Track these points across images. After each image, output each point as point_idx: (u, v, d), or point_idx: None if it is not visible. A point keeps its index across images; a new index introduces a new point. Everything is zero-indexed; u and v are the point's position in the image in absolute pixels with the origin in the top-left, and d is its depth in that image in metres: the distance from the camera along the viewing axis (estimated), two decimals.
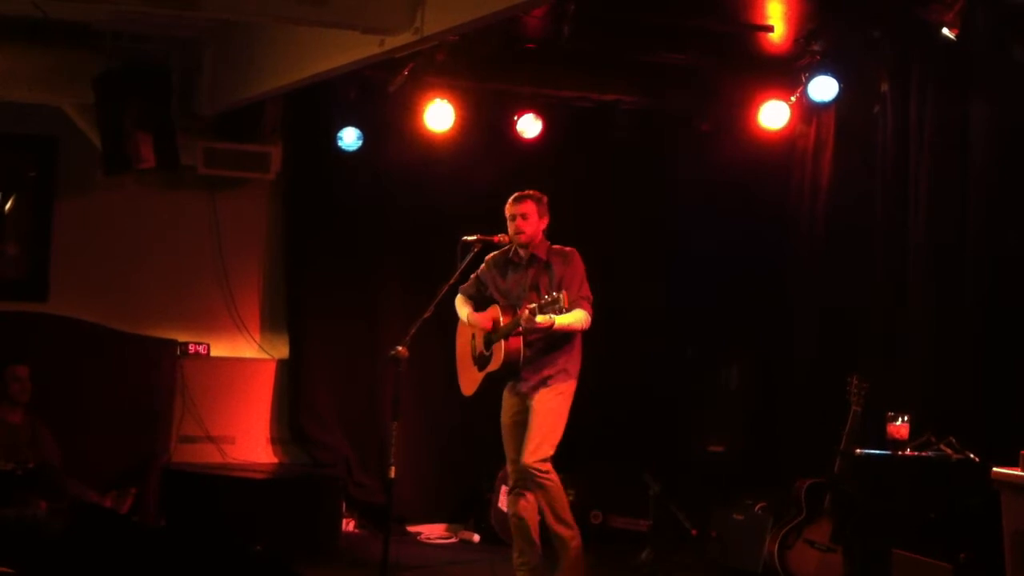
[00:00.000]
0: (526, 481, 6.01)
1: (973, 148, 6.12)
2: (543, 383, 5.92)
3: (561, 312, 5.61)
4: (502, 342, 5.90)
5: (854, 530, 5.93)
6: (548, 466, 5.89)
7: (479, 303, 6.21)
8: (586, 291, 5.93)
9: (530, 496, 6.04)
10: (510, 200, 6.06)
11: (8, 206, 7.61)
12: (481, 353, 6.08)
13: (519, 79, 7.56)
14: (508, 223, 6.05)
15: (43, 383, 6.74)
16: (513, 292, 6.04)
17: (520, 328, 5.81)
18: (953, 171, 6.22)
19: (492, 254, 6.21)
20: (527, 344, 5.89)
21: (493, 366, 5.97)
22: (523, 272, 6.04)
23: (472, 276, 6.25)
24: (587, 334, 5.99)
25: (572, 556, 5.95)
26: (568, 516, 5.96)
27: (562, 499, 5.94)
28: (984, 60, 6.06)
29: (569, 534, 5.95)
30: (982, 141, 6.07)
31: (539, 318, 5.64)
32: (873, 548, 5.76)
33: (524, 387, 5.97)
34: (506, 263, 6.13)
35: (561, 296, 5.55)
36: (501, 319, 5.94)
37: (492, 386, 6.06)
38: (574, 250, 6.03)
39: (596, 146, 8.20)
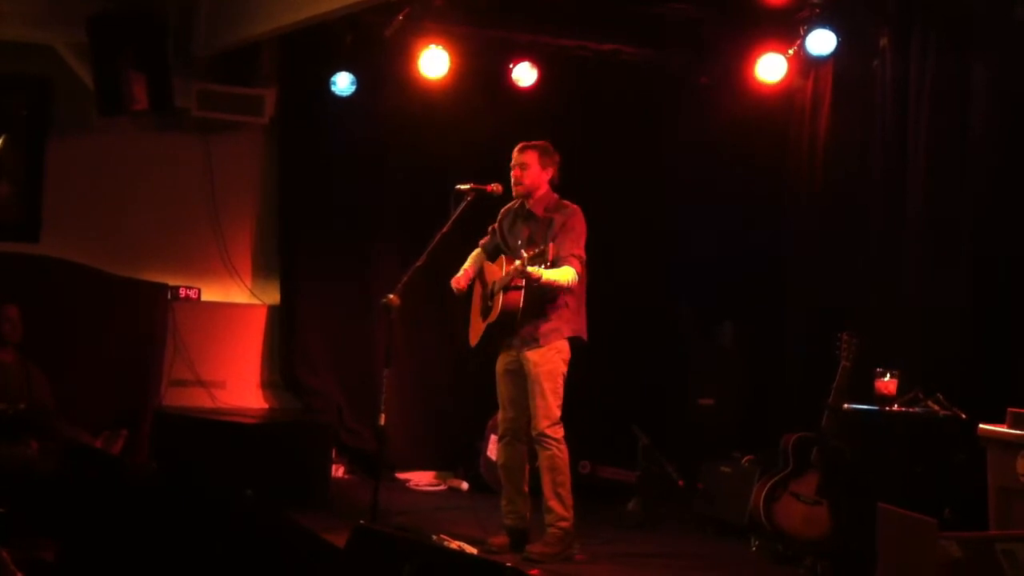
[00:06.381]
0: (517, 431, 6.02)
1: (973, 107, 6.09)
2: (535, 342, 5.89)
3: (545, 264, 5.59)
4: (500, 294, 5.89)
5: (840, 484, 5.96)
6: (560, 433, 5.87)
7: (496, 255, 6.17)
8: (579, 250, 5.86)
9: (520, 445, 6.06)
10: (515, 149, 6.02)
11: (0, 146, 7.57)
12: (486, 304, 6.07)
13: (517, 26, 7.51)
14: (510, 172, 6.02)
15: (34, 324, 6.72)
16: (514, 244, 6.02)
17: (515, 280, 5.80)
18: (952, 130, 6.19)
19: (507, 205, 6.18)
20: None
21: (491, 317, 5.96)
22: (525, 224, 6.01)
23: (489, 229, 6.24)
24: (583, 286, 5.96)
25: (555, 535, 5.89)
26: (566, 493, 5.90)
27: (565, 473, 5.90)
28: (985, 19, 6.03)
29: (561, 512, 5.88)
30: (982, 100, 6.04)
31: (530, 268, 5.61)
32: (859, 502, 5.80)
33: (516, 339, 5.96)
34: (515, 215, 6.10)
35: (547, 248, 5.52)
36: (505, 271, 5.91)
37: (492, 338, 6.03)
38: (577, 208, 5.97)
39: (593, 98, 8.16)
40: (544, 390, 5.87)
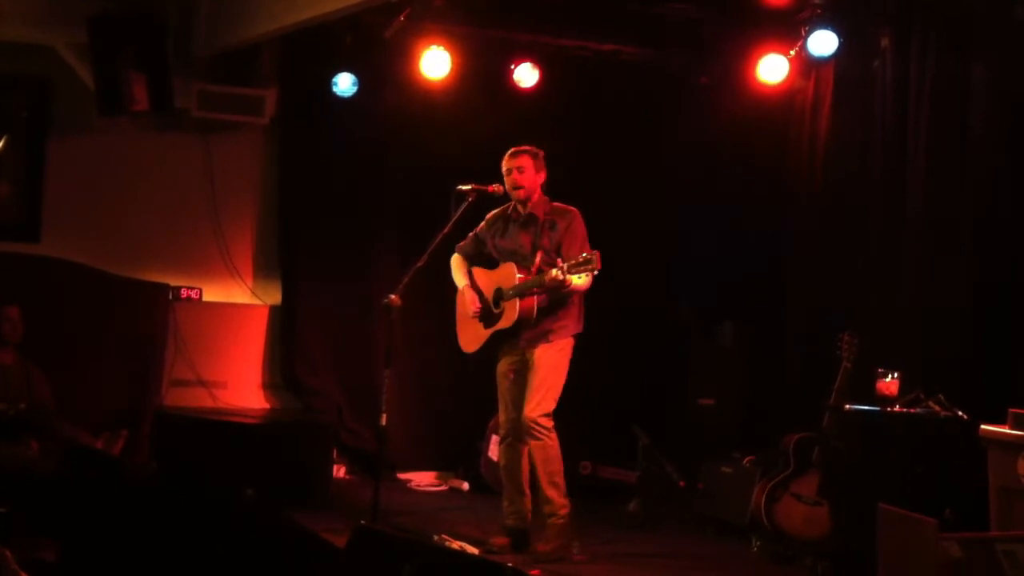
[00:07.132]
0: (519, 432, 6.02)
1: (973, 107, 6.09)
2: (543, 337, 5.91)
3: (594, 272, 5.60)
4: (516, 301, 5.87)
5: (841, 485, 5.96)
6: (550, 423, 5.89)
7: (478, 261, 6.18)
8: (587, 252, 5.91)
9: (521, 446, 6.05)
10: (506, 155, 6.02)
11: (0, 146, 7.57)
12: (489, 310, 6.06)
13: (517, 26, 7.51)
14: (505, 178, 6.00)
15: (35, 324, 6.72)
16: (513, 250, 6.01)
17: (537, 288, 5.79)
18: (952, 130, 6.19)
19: (492, 212, 6.17)
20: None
21: (504, 324, 5.95)
22: (524, 230, 6.00)
23: (470, 235, 6.21)
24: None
25: (557, 526, 5.91)
26: (561, 480, 5.92)
27: (557, 461, 5.91)
28: (985, 19, 6.02)
29: (559, 501, 5.91)
30: (982, 100, 6.04)
31: (569, 276, 5.60)
32: (859, 502, 5.80)
33: (522, 340, 5.97)
34: (506, 220, 6.09)
35: (595, 256, 5.52)
36: (517, 276, 5.90)
37: (496, 343, 6.04)
38: (576, 211, 5.98)
39: (593, 98, 8.16)
40: (546, 383, 5.89)
